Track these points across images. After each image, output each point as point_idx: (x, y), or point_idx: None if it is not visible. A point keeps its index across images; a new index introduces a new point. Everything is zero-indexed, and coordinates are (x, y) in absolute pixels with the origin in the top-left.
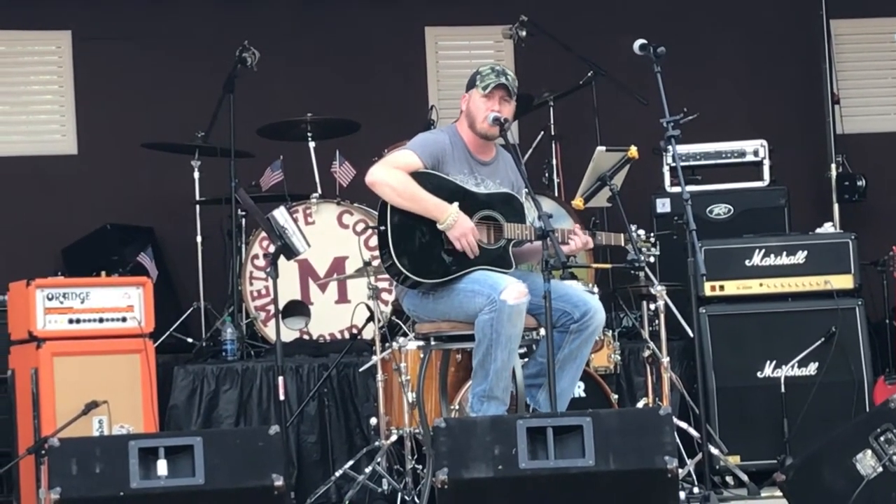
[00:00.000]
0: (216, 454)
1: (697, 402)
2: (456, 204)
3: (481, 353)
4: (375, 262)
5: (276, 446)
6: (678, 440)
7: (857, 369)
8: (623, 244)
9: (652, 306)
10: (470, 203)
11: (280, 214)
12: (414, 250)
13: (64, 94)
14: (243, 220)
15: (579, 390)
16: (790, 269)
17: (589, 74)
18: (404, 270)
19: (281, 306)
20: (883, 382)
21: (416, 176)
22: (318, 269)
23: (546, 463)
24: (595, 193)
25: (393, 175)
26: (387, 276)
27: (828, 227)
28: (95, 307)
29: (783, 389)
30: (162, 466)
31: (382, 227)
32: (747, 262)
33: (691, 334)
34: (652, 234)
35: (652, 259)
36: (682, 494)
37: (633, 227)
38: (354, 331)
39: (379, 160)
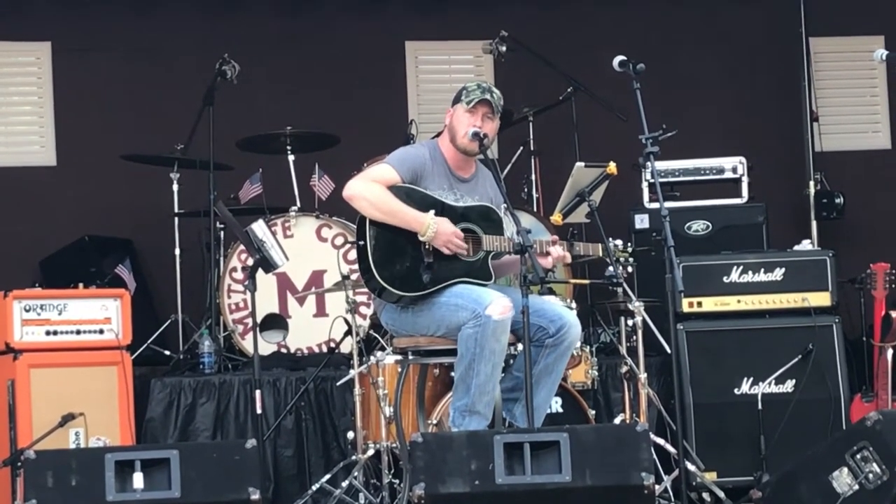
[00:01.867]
0: (192, 467)
1: (674, 419)
2: (432, 211)
3: (463, 368)
4: (354, 276)
5: (253, 460)
6: (655, 456)
7: (834, 387)
8: (601, 254)
9: (630, 322)
10: (448, 216)
11: (258, 227)
12: (394, 264)
13: (43, 105)
14: (222, 233)
15: (556, 405)
16: (768, 286)
17: (568, 90)
18: (385, 284)
19: (259, 319)
20: (860, 400)
21: (394, 190)
22: (297, 282)
23: (523, 478)
24: (574, 209)
25: (370, 189)
26: (365, 289)
27: (806, 245)
28: (73, 319)
29: (760, 406)
30: (138, 479)
31: (361, 242)
32: (725, 279)
33: (669, 350)
34: (629, 245)
35: (630, 269)
36: None
37: (611, 241)
38: (332, 344)
39: (357, 174)
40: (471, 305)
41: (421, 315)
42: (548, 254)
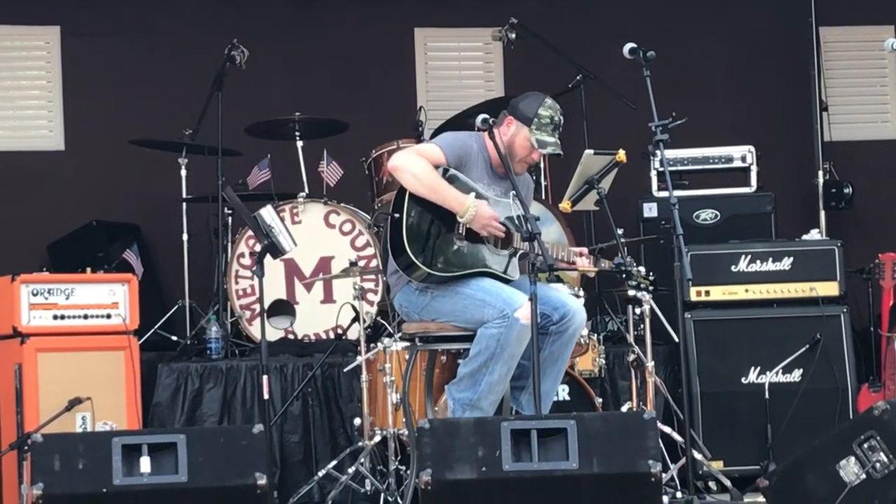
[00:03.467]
0: (199, 452)
1: (682, 407)
2: (473, 194)
3: (477, 364)
4: (361, 262)
5: (260, 445)
6: (662, 445)
7: (841, 376)
8: (625, 277)
9: (637, 310)
10: None
11: (267, 213)
12: (426, 241)
13: (52, 89)
14: (230, 219)
15: (564, 393)
16: (776, 276)
17: (578, 78)
18: (415, 259)
19: (266, 305)
20: (867, 390)
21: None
22: (304, 268)
23: (530, 465)
24: (582, 197)
25: (416, 163)
26: (372, 276)
27: (814, 234)
28: (80, 303)
29: (767, 395)
30: (145, 464)
31: (397, 215)
32: (733, 268)
33: (676, 339)
34: (651, 273)
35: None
36: (666, 499)
37: (633, 264)
38: (339, 331)
39: (366, 161)
40: (499, 305)
41: (439, 300)
42: (573, 264)
